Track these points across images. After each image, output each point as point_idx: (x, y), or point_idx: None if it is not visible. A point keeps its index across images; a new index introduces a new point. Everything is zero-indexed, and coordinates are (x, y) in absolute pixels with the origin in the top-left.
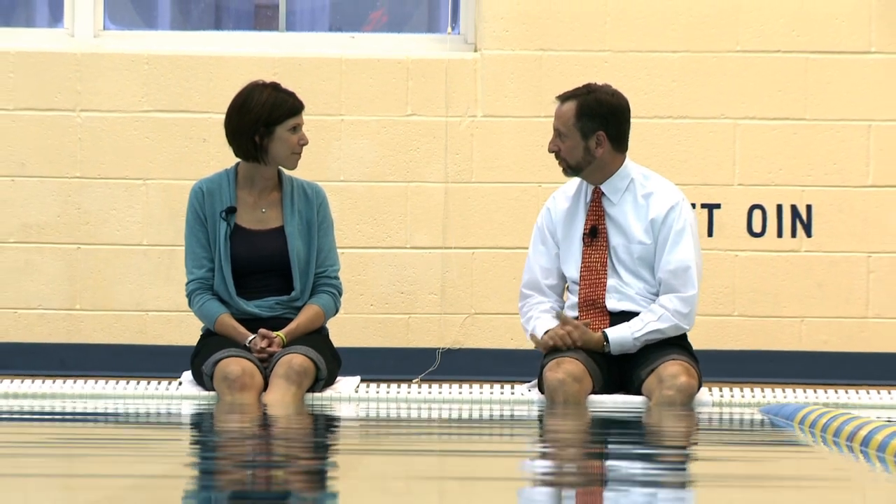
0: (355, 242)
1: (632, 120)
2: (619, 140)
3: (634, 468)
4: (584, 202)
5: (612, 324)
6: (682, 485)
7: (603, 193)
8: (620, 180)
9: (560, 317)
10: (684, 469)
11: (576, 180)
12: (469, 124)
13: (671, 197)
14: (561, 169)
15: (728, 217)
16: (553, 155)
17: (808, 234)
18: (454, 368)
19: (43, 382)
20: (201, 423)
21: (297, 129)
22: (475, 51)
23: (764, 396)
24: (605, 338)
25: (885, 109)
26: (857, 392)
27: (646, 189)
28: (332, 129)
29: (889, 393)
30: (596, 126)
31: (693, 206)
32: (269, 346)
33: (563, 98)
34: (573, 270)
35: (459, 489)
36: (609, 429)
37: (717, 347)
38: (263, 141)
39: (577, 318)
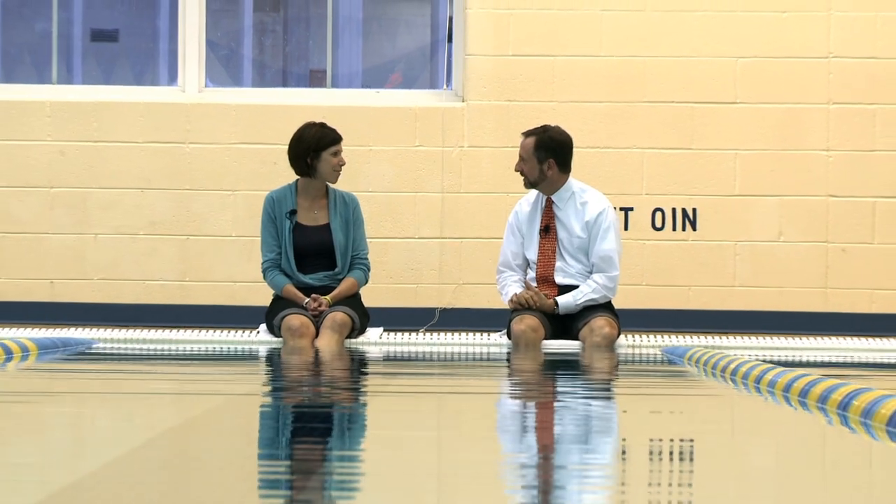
0: (379, 234)
1: (575, 149)
2: (564, 165)
3: (574, 388)
4: (540, 207)
5: (560, 293)
6: (607, 398)
7: (553, 202)
8: (565, 192)
9: (527, 284)
10: (609, 389)
11: (534, 192)
12: (459, 152)
13: (600, 204)
14: (523, 183)
15: (638, 216)
16: (518, 173)
17: (694, 229)
18: (449, 322)
19: (164, 331)
20: (272, 359)
21: (337, 154)
22: (463, 101)
23: (664, 341)
24: (556, 303)
25: (747, 142)
26: (728, 338)
27: (582, 199)
28: (363, 155)
29: (750, 338)
30: (548, 155)
31: (617, 208)
32: (320, 306)
33: (526, 134)
34: (533, 255)
35: (453, 402)
36: (556, 363)
37: (631, 307)
38: (314, 162)
39: (537, 287)
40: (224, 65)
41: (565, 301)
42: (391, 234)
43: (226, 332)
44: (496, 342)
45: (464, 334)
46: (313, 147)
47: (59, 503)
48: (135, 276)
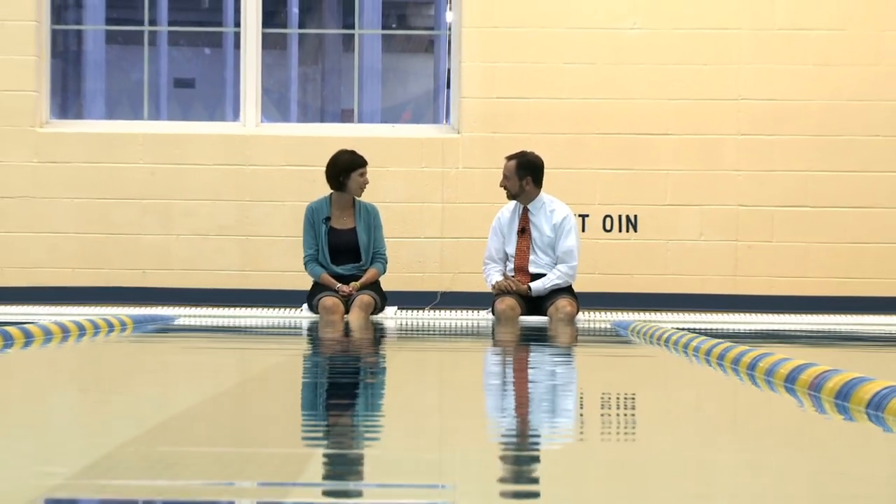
0: (393, 235)
1: (545, 169)
2: (538, 181)
3: (544, 350)
4: (518, 214)
5: (532, 280)
6: (568, 358)
7: (528, 209)
8: (538, 202)
9: (505, 275)
10: (569, 350)
11: (513, 202)
12: (455, 172)
13: (564, 211)
14: (506, 196)
15: (593, 221)
16: (502, 188)
17: (635, 231)
18: (447, 302)
19: (229, 310)
20: (312, 330)
21: (363, 174)
22: (458, 133)
23: (612, 316)
24: (530, 288)
25: (676, 164)
26: (662, 314)
27: (551, 207)
28: (381, 174)
29: (678, 314)
30: (525, 174)
31: (576, 215)
32: (349, 291)
33: (509, 158)
34: (511, 250)
35: (451, 360)
36: (529, 333)
37: (588, 290)
38: (345, 181)
39: (514, 276)
40: (275, 105)
41: (537, 286)
42: (403, 234)
43: (276, 309)
44: (483, 318)
45: (459, 311)
46: (345, 169)
47: (152, 437)
48: (207, 267)
